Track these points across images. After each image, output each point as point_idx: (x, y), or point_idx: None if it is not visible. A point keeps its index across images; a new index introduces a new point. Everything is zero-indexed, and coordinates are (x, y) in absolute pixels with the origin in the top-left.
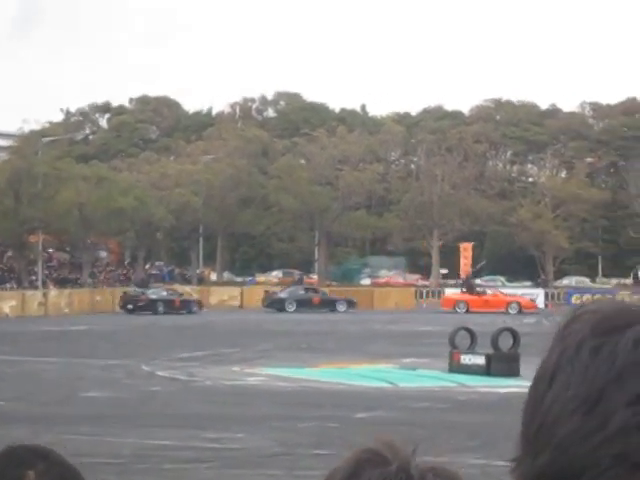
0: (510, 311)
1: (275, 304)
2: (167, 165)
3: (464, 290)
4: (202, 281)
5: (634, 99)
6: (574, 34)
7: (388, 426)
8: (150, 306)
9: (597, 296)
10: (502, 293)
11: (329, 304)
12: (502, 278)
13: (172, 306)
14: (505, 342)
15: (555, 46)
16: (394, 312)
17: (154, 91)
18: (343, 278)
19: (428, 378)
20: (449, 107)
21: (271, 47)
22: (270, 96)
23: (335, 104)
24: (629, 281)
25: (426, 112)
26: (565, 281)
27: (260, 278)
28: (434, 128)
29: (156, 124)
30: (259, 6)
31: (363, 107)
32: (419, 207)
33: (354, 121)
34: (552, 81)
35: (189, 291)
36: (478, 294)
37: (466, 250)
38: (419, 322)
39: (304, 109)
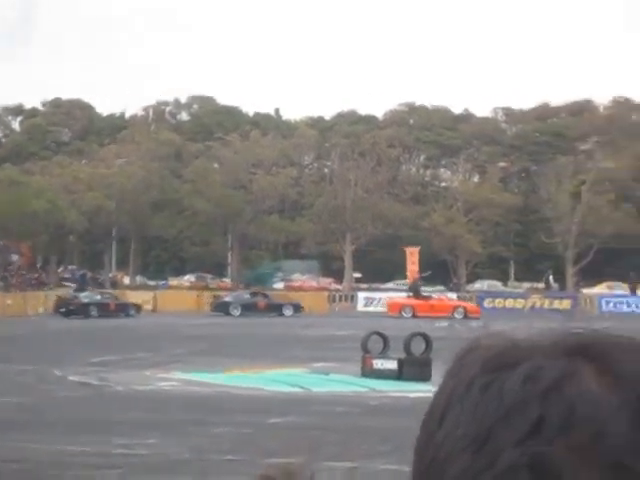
0: (456, 316)
1: (220, 308)
2: (80, 168)
3: (410, 295)
4: (115, 285)
5: (546, 105)
6: (486, 39)
7: (301, 431)
8: (82, 310)
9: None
10: (448, 298)
11: (275, 308)
12: None
13: (107, 310)
14: (418, 347)
15: (468, 51)
16: (308, 316)
17: (67, 94)
18: (256, 282)
19: (340, 383)
20: (363, 111)
21: (185, 50)
22: (184, 99)
23: (249, 108)
24: (540, 285)
25: (340, 116)
26: (477, 285)
27: (173, 282)
28: (348, 132)
29: (69, 127)
30: (171, 9)
31: (277, 111)
32: (332, 211)
33: (268, 125)
34: (465, 86)
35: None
36: (424, 299)
37: (412, 255)
38: (332, 326)
39: (218, 113)
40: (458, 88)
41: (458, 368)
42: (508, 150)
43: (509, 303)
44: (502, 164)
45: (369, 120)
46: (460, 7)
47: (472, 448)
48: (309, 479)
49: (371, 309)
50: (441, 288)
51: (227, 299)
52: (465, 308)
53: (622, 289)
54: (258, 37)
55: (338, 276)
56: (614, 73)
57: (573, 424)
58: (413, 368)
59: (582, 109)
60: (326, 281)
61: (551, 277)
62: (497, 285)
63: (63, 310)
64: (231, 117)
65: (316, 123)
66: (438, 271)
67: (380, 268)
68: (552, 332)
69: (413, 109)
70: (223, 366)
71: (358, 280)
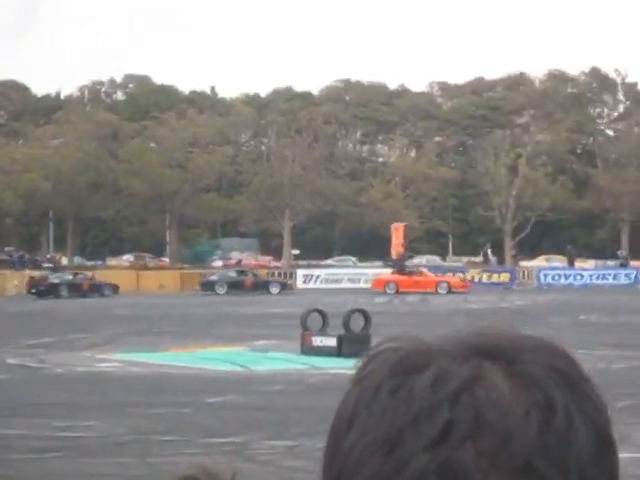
0: (440, 291)
1: (207, 287)
2: (16, 149)
3: (394, 270)
4: (54, 266)
5: (482, 79)
6: (420, 14)
7: (240, 410)
8: (52, 290)
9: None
10: (432, 273)
11: (262, 286)
12: (353, 258)
13: (79, 290)
14: (357, 323)
15: (403, 26)
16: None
17: (1, 75)
18: (195, 260)
19: (280, 360)
20: (299, 88)
21: (119, 30)
22: (119, 79)
23: (184, 86)
24: (479, 259)
25: (276, 93)
26: (416, 260)
27: (111, 262)
28: (284, 109)
29: (4, 108)
30: None
31: (212, 89)
32: (270, 189)
33: (204, 103)
34: (400, 61)
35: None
36: (409, 274)
37: (397, 230)
38: (271, 304)
39: (153, 92)
40: (393, 63)
41: (365, 372)
42: (444, 124)
43: (448, 278)
44: (438, 139)
45: (305, 97)
46: None
47: (382, 453)
48: (231, 479)
49: (310, 286)
50: (379, 264)
51: (213, 278)
52: (449, 283)
53: (560, 262)
54: (191, 15)
55: (277, 253)
56: (549, 46)
57: (482, 428)
58: (352, 345)
59: (517, 82)
60: (265, 259)
61: (489, 251)
62: (436, 260)
63: (34, 291)
64: (167, 96)
65: (252, 100)
66: (376, 247)
67: (319, 245)
68: (460, 334)
69: (349, 85)
70: (163, 346)
71: (297, 257)
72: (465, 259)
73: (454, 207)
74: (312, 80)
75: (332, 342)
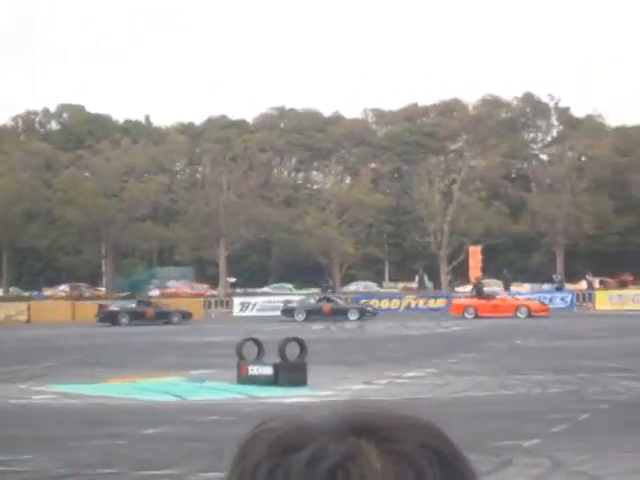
0: (519, 315)
1: (108, 318)
2: None
3: (474, 294)
4: None
5: (415, 105)
6: (353, 41)
7: (175, 442)
8: None
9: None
10: (510, 297)
11: (163, 316)
12: (290, 285)
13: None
14: (293, 351)
15: (336, 54)
16: (187, 323)
17: None
18: (131, 289)
19: (216, 390)
20: (233, 116)
21: (53, 59)
22: (53, 109)
23: (119, 115)
24: (415, 285)
25: (210, 121)
26: (352, 287)
27: (47, 292)
28: (219, 137)
29: None
30: (30, 17)
31: (147, 118)
32: (205, 217)
33: (138, 132)
34: (335, 88)
35: None
36: (487, 298)
37: (475, 254)
38: (208, 332)
39: (88, 121)
40: (327, 91)
41: (245, 453)
42: (379, 151)
43: (385, 304)
44: (373, 165)
45: (240, 125)
46: (324, 11)
47: None
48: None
49: (247, 314)
50: (316, 290)
51: (114, 308)
52: (528, 307)
53: (496, 286)
54: (124, 44)
55: (213, 282)
56: (482, 72)
57: None
58: (288, 373)
59: (451, 108)
60: (201, 287)
61: (425, 276)
62: (372, 286)
63: None
64: (101, 125)
65: (187, 129)
66: (312, 274)
67: (255, 272)
68: (339, 413)
69: (283, 113)
70: (99, 377)
71: (233, 285)
72: (401, 285)
73: (389, 233)
74: (246, 108)
75: (268, 371)
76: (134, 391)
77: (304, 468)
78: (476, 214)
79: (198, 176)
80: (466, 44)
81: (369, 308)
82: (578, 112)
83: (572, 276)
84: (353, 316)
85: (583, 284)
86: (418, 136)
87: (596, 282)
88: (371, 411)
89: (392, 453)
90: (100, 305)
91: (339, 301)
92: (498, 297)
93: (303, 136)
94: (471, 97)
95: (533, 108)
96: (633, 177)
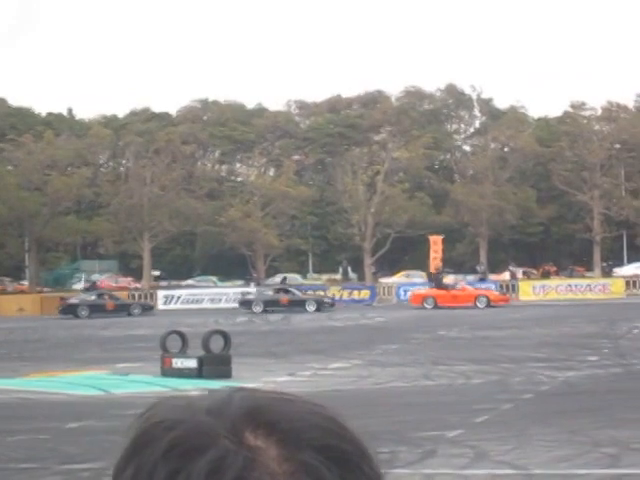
0: (478, 305)
1: (68, 310)
2: None
3: (433, 285)
4: None
5: (339, 97)
6: (274, 33)
7: (98, 435)
8: None
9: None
10: (470, 287)
11: (123, 308)
12: (214, 278)
13: None
14: (217, 344)
15: (260, 45)
16: (149, 315)
17: None
18: (55, 283)
19: (140, 383)
20: (156, 109)
21: None
22: None
23: (41, 108)
24: (339, 276)
25: (133, 114)
26: (277, 279)
27: None
28: (142, 130)
29: None
30: None
31: (70, 111)
32: (129, 210)
33: (61, 125)
34: (258, 80)
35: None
36: (446, 289)
37: (436, 244)
38: (133, 326)
39: (10, 114)
40: (251, 83)
41: (138, 448)
42: (302, 143)
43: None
44: (297, 157)
45: (163, 117)
46: (245, 2)
47: None
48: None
49: (171, 307)
50: (240, 283)
51: (74, 301)
52: (488, 297)
53: (420, 277)
54: (46, 35)
55: (137, 275)
56: (405, 63)
57: None
58: (213, 366)
59: (374, 100)
60: (125, 280)
61: (349, 268)
62: (297, 278)
63: None
64: (23, 118)
65: (110, 122)
66: (236, 266)
67: (179, 265)
68: (236, 404)
69: (206, 105)
70: (23, 371)
71: (157, 278)
72: (325, 277)
73: (313, 225)
74: (169, 100)
75: (192, 364)
76: (58, 385)
77: (204, 476)
78: (400, 205)
79: (122, 169)
80: (388, 36)
81: (327, 299)
82: (500, 103)
83: (496, 266)
84: (311, 307)
85: (506, 275)
86: (341, 128)
87: (519, 272)
88: (271, 404)
89: (291, 460)
90: (61, 298)
91: (297, 293)
92: (458, 287)
93: (226, 128)
94: (394, 89)
95: (456, 99)
96: (555, 167)
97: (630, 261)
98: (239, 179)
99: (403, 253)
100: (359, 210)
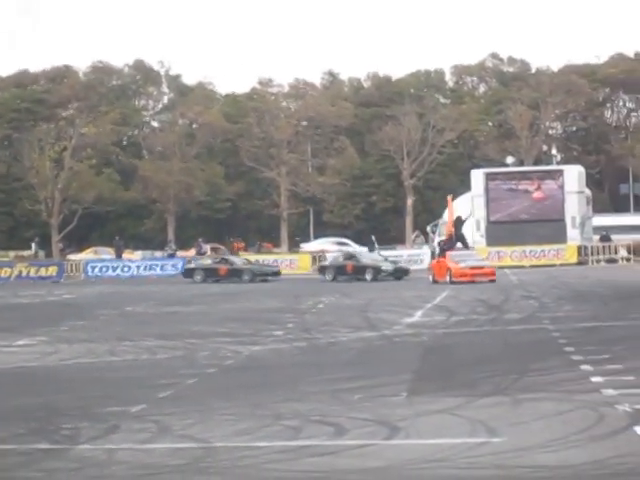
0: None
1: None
2: None
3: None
4: None
5: (26, 71)
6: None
7: None
8: None
9: None
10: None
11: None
12: None
13: None
14: None
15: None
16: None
17: None
18: None
19: None
20: None
21: None
22: None
23: None
24: (27, 253)
25: None
26: None
27: None
28: None
29: None
30: None
31: None
32: None
33: None
34: None
35: None
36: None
37: None
38: None
39: None
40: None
41: None
42: None
43: None
44: None
45: None
46: None
47: None
48: None
49: None
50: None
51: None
52: None
53: (108, 254)
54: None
55: None
56: (93, 39)
57: None
58: None
59: (62, 75)
60: None
61: (33, 244)
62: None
63: None
64: None
65: None
66: None
67: None
68: None
69: None
70: None
71: None
72: (12, 253)
73: (0, 201)
74: None
75: None
76: None
77: None
78: (88, 181)
79: None
80: (80, 10)
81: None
82: (189, 79)
83: (185, 243)
84: (247, 277)
85: (193, 251)
86: (28, 103)
87: (207, 248)
88: None
89: None
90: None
91: (237, 262)
92: None
93: None
94: (82, 64)
95: (144, 75)
96: (243, 144)
97: (316, 237)
98: None
99: (91, 229)
100: (46, 186)
